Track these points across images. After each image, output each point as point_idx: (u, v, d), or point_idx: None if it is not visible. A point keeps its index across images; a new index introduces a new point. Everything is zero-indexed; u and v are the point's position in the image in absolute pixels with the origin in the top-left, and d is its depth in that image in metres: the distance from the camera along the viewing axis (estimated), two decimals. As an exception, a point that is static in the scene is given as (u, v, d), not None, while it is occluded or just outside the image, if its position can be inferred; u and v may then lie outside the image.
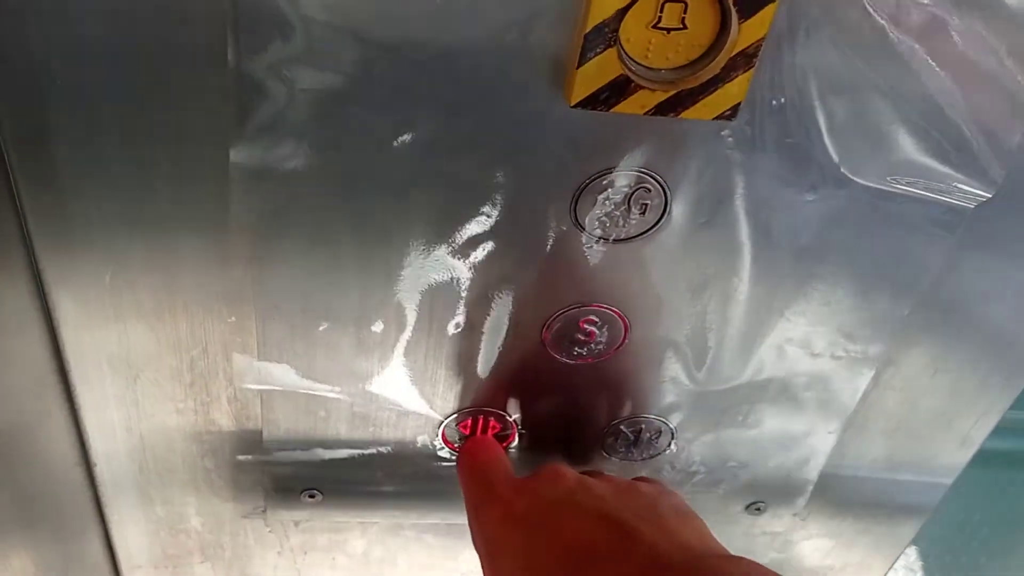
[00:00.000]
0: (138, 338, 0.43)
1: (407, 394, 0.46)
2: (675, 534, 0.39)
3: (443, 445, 0.50)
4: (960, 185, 0.40)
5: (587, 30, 0.33)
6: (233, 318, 0.42)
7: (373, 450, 0.49)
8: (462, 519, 0.48)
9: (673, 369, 0.47)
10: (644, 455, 0.52)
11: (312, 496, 0.51)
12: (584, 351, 0.46)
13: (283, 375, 0.44)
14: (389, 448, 0.49)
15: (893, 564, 0.64)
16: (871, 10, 0.34)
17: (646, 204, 0.40)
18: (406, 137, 0.36)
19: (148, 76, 0.34)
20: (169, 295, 0.41)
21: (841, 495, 0.58)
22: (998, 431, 0.55)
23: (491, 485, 0.45)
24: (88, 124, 0.35)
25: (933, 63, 0.36)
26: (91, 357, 0.43)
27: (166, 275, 0.40)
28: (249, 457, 0.49)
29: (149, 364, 0.44)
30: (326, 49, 0.33)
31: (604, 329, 0.45)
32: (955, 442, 0.55)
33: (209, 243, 0.39)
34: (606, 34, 0.33)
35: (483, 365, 0.46)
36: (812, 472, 0.54)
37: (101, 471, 0.49)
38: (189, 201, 0.38)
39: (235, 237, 0.39)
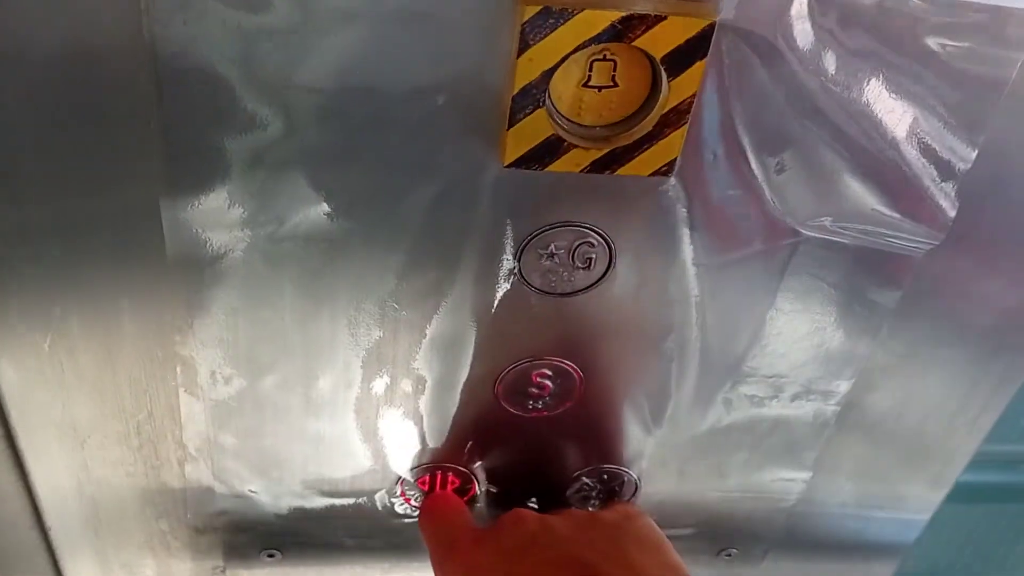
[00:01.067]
0: (82, 404, 0.42)
1: (362, 452, 0.46)
2: (640, 571, 0.39)
3: (402, 501, 0.49)
4: (909, 230, 0.39)
5: (515, 92, 0.33)
6: (176, 382, 0.41)
7: (330, 507, 0.49)
8: (426, 573, 0.48)
9: (631, 420, 0.46)
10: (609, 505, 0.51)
11: (271, 555, 0.51)
12: (539, 404, 0.45)
13: (233, 437, 0.44)
14: (347, 505, 0.49)
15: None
16: (798, 64, 0.34)
17: (591, 258, 0.39)
18: (343, 197, 0.36)
19: (76, 145, 0.33)
20: (110, 361, 0.40)
21: (814, 537, 0.57)
22: (974, 465, 0.55)
23: (453, 540, 0.45)
24: (18, 190, 0.35)
25: (867, 110, 0.35)
26: (37, 423, 0.43)
27: (105, 341, 0.40)
28: (204, 518, 0.48)
29: (95, 429, 0.43)
30: (257, 112, 0.33)
31: (557, 382, 0.44)
32: (926, 483, 0.54)
33: (148, 309, 0.39)
34: (534, 95, 0.33)
35: (438, 420, 0.45)
36: (780, 517, 0.53)
37: (56, 535, 0.48)
38: (125, 269, 0.37)
39: (171, 304, 0.38)
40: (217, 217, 0.36)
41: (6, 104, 0.32)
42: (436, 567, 0.45)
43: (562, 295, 0.40)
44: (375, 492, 0.48)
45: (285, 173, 0.35)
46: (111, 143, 0.34)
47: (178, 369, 0.41)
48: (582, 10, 0.31)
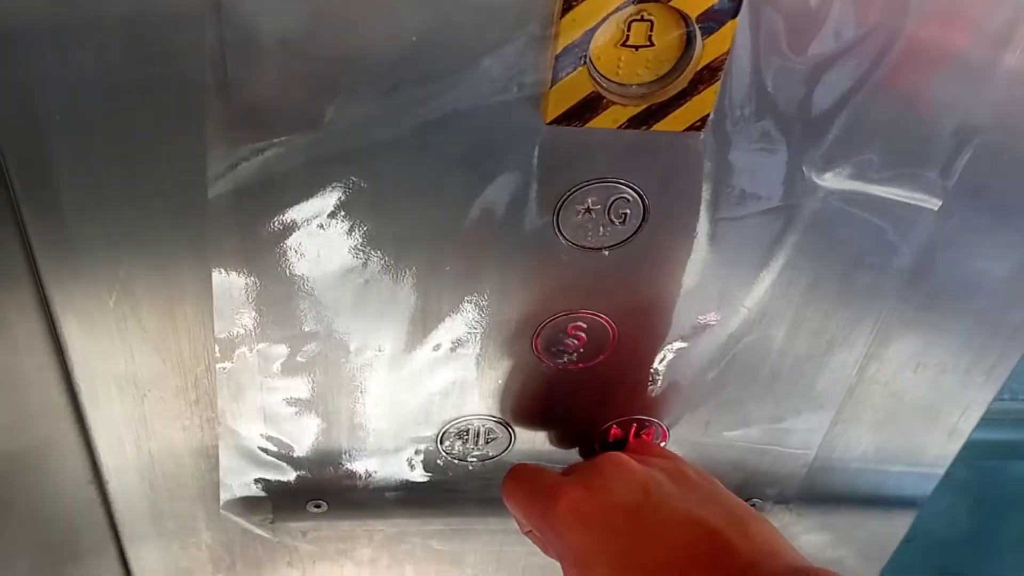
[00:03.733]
0: (143, 359, 0.44)
1: (404, 406, 0.48)
2: (758, 539, 0.39)
3: (442, 452, 0.51)
4: (924, 184, 0.42)
5: (558, 51, 0.35)
6: (226, 334, 0.44)
7: (375, 460, 0.51)
8: (465, 524, 0.50)
9: (661, 370, 0.48)
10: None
11: (318, 506, 0.53)
12: (574, 356, 0.47)
13: (282, 392, 0.46)
14: (390, 458, 0.51)
15: (890, 556, 0.66)
16: (824, 24, 0.36)
17: (625, 213, 0.41)
18: (390, 155, 0.38)
19: (145, 109, 0.36)
20: (171, 317, 0.43)
21: (834, 489, 0.59)
22: (986, 421, 0.57)
23: (551, 488, 0.43)
24: (89, 155, 0.37)
25: (893, 70, 0.38)
26: (99, 378, 0.45)
27: (167, 298, 0.42)
28: (255, 469, 0.50)
29: (155, 384, 0.45)
30: (313, 80, 0.35)
31: (592, 335, 0.46)
32: (943, 433, 0.56)
33: (207, 266, 0.41)
34: (576, 54, 0.35)
35: (477, 374, 0.47)
36: (801, 468, 0.56)
37: (113, 488, 0.51)
38: (187, 226, 0.40)
39: (220, 264, 0.41)
40: (268, 183, 0.38)
41: (80, 67, 0.34)
42: (536, 516, 0.44)
43: (597, 249, 0.42)
44: (416, 445, 0.50)
45: (336, 136, 0.37)
46: (180, 107, 0.36)
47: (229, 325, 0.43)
48: (622, -28, 0.33)
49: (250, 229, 0.40)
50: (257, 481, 0.51)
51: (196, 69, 0.35)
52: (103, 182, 0.38)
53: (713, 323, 0.46)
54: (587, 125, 0.37)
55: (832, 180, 0.41)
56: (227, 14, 0.33)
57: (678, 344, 0.47)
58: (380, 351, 0.45)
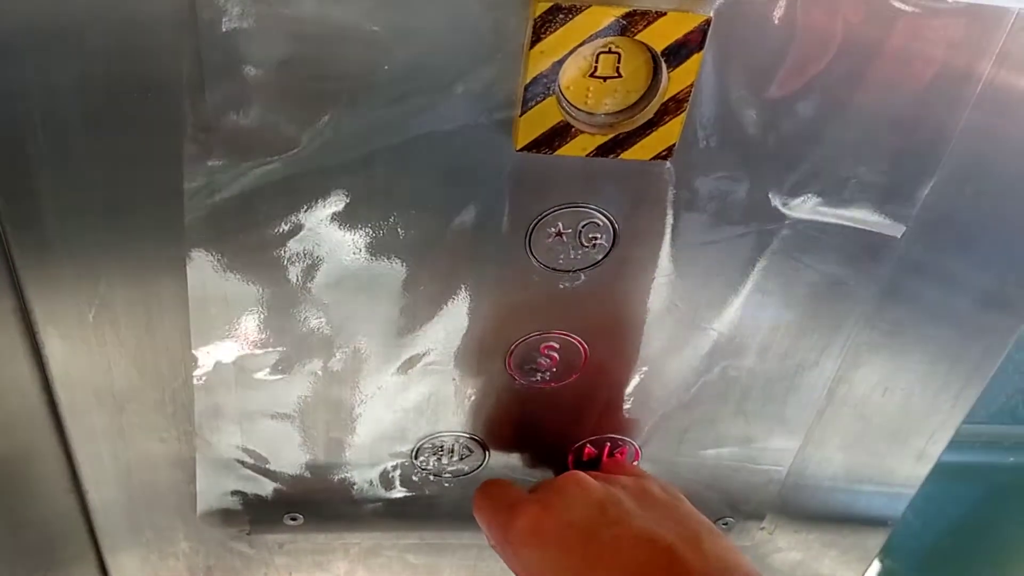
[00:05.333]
0: (122, 372, 0.45)
1: (379, 421, 0.49)
2: (711, 555, 0.40)
3: (417, 469, 0.52)
4: (887, 211, 0.43)
5: (527, 81, 0.36)
6: (204, 350, 0.45)
7: (350, 474, 0.52)
8: (440, 538, 0.51)
9: (632, 390, 0.49)
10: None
11: (294, 519, 0.54)
12: (547, 376, 0.48)
13: (258, 404, 0.47)
14: (365, 472, 0.52)
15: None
16: (785, 55, 0.37)
17: (595, 237, 0.42)
18: (363, 180, 0.39)
19: (125, 123, 0.37)
20: (149, 331, 0.44)
21: (806, 509, 0.60)
22: (955, 444, 0.58)
23: (513, 504, 0.45)
24: (70, 168, 0.38)
25: (849, 97, 0.39)
26: (78, 390, 0.46)
27: (146, 312, 0.43)
28: (231, 482, 0.51)
29: (133, 396, 0.46)
30: (280, 98, 0.36)
31: (564, 354, 0.47)
32: (912, 456, 0.57)
33: (183, 281, 0.42)
34: (545, 84, 0.36)
35: (451, 391, 0.48)
36: (774, 487, 0.56)
37: (92, 498, 0.51)
38: (166, 242, 0.41)
39: (197, 279, 0.41)
40: (244, 202, 0.39)
41: (60, 78, 0.35)
42: (498, 531, 0.45)
43: (568, 271, 0.43)
44: (391, 460, 0.51)
45: (312, 156, 0.38)
46: (158, 121, 0.37)
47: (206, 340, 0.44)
48: (589, 7, 0.34)
49: (226, 246, 0.40)
50: (234, 493, 0.52)
51: (174, 87, 0.36)
52: (84, 194, 0.39)
53: (683, 346, 0.47)
54: (556, 153, 0.38)
55: (797, 208, 0.42)
56: (204, 36, 0.34)
57: (649, 366, 0.48)
58: (356, 367, 0.46)
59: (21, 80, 0.35)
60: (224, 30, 0.34)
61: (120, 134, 0.37)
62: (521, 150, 0.38)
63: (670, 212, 0.42)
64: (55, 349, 0.44)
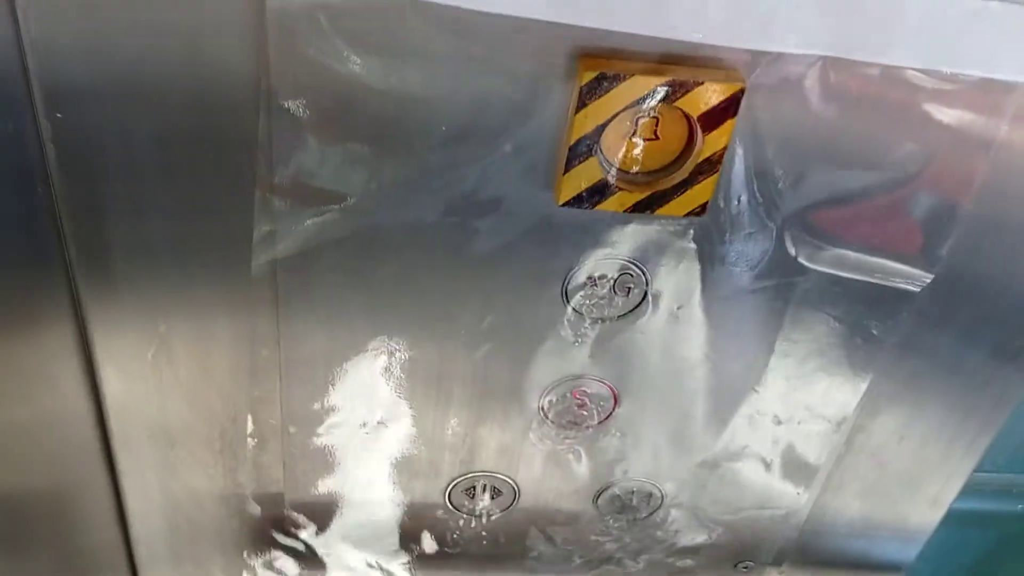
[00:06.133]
0: (175, 409, 0.47)
1: (415, 460, 0.51)
2: None
3: (449, 508, 0.54)
4: (907, 269, 0.45)
5: (571, 142, 0.39)
6: (257, 392, 0.47)
7: (386, 511, 0.54)
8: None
9: (659, 437, 0.51)
10: (635, 516, 0.56)
11: (330, 555, 0.56)
12: (577, 419, 0.50)
13: (302, 446, 0.49)
14: (401, 511, 0.54)
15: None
16: (815, 120, 0.40)
17: (629, 288, 0.45)
18: (416, 231, 0.42)
19: (195, 170, 0.39)
20: (205, 372, 0.46)
21: (822, 554, 0.61)
22: (966, 492, 0.59)
23: None
24: (140, 209, 0.40)
25: (874, 160, 0.41)
26: (132, 425, 0.48)
27: (203, 354, 0.45)
28: (271, 517, 0.53)
29: (185, 433, 0.48)
30: (348, 151, 0.39)
31: (595, 400, 0.49)
32: (926, 503, 0.59)
33: (241, 325, 0.44)
34: (587, 145, 0.39)
35: (484, 433, 0.50)
36: (792, 532, 0.58)
37: (136, 530, 0.53)
38: (227, 287, 0.43)
39: (263, 320, 0.44)
40: (300, 247, 0.41)
41: (134, 130, 0.38)
42: None
43: (602, 321, 0.46)
44: (426, 497, 0.53)
45: (364, 207, 0.41)
46: (227, 172, 0.39)
47: (260, 382, 0.46)
48: (632, 76, 0.37)
49: (284, 296, 0.43)
50: (276, 542, 0.54)
51: (246, 141, 0.38)
52: (152, 239, 0.41)
53: (711, 394, 0.50)
54: (596, 208, 0.41)
55: (821, 262, 0.45)
56: (275, 97, 0.37)
57: (678, 413, 0.50)
58: (394, 410, 0.48)
59: (101, 129, 0.38)
60: (292, 93, 0.37)
61: (191, 183, 0.40)
62: (563, 205, 0.40)
63: (701, 265, 0.44)
64: (112, 384, 0.46)
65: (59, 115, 0.37)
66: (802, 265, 0.44)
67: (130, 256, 0.42)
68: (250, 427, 0.48)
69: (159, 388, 0.47)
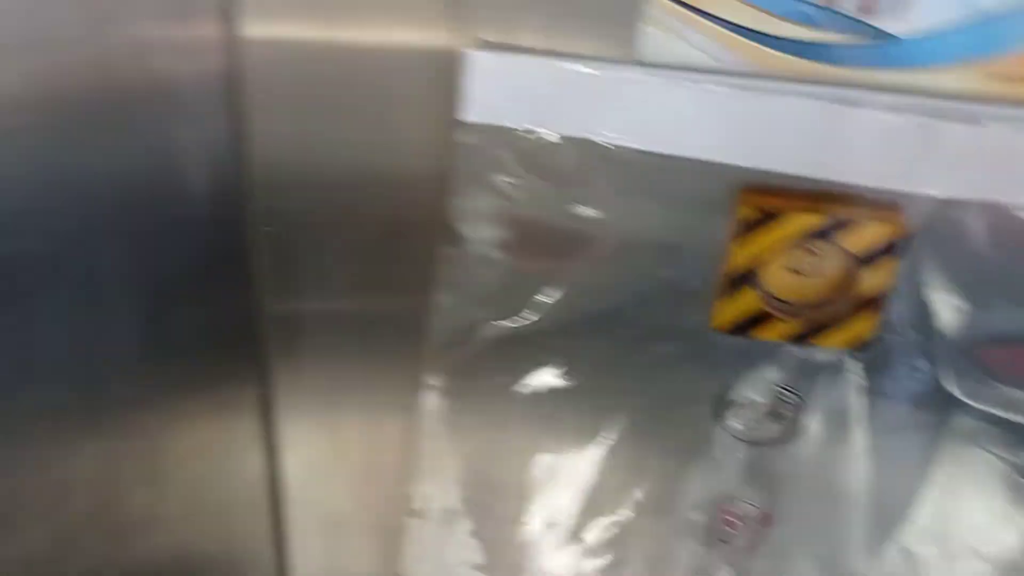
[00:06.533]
0: (346, 495, 0.50)
1: (563, 567, 0.52)
2: None
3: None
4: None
5: (729, 271, 0.40)
6: (426, 486, 0.50)
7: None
8: None
9: (809, 563, 0.51)
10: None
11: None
12: (727, 538, 0.50)
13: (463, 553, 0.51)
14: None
15: None
16: (980, 264, 0.39)
17: (783, 414, 0.45)
18: (577, 341, 0.44)
19: (380, 254, 0.43)
20: (376, 463, 0.49)
21: None
22: None
23: None
24: (332, 303, 0.44)
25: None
26: (304, 507, 0.52)
27: (376, 445, 0.48)
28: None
29: (353, 518, 0.51)
30: (515, 282, 0.42)
31: (745, 520, 0.49)
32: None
33: (415, 420, 0.47)
34: (746, 276, 0.40)
35: (637, 550, 0.51)
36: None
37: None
38: (399, 386, 0.46)
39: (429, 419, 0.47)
40: (471, 353, 0.44)
41: (329, 217, 0.42)
42: None
43: (755, 443, 0.46)
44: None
45: (529, 321, 0.43)
46: (416, 283, 0.43)
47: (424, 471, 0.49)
48: (792, 213, 0.38)
49: (458, 392, 0.46)
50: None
51: (431, 231, 0.42)
52: (339, 318, 0.45)
53: (866, 526, 0.49)
54: (752, 337, 0.41)
55: (984, 401, 0.43)
56: (459, 218, 0.40)
57: (832, 541, 0.50)
58: (551, 525, 0.50)
59: (303, 214, 0.42)
60: (472, 215, 0.40)
61: (377, 267, 0.43)
62: (720, 331, 0.41)
63: (858, 397, 0.44)
64: (292, 470, 0.50)
65: (269, 202, 0.41)
66: (963, 402, 0.44)
67: (318, 335, 0.46)
68: (417, 512, 0.50)
69: (332, 473, 0.50)
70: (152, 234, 0.42)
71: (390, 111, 0.40)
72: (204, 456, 0.49)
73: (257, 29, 0.39)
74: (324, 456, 0.49)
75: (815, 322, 0.41)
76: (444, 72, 0.38)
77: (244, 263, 0.44)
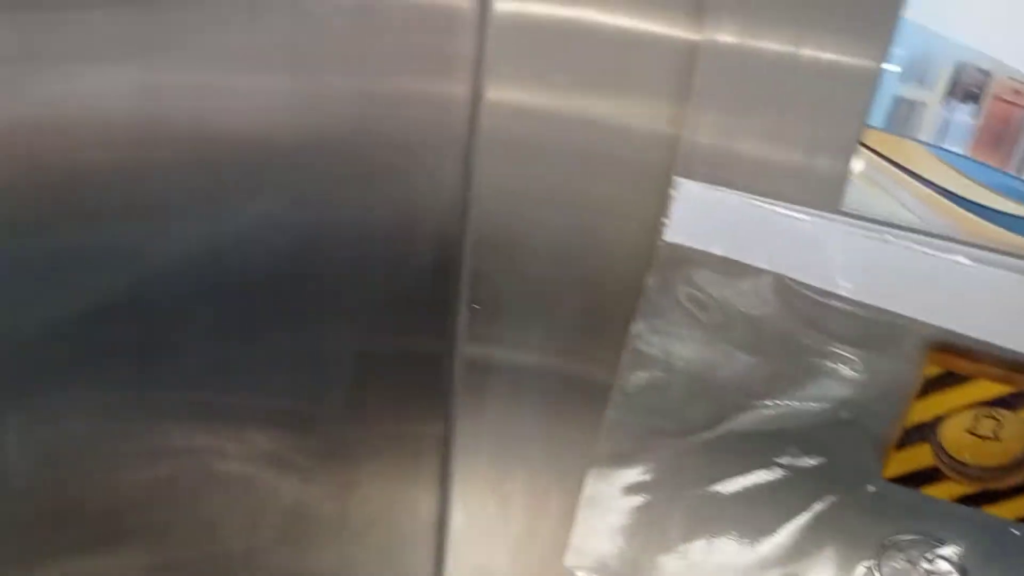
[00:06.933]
0: (507, 547, 0.53)
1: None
2: None
3: None
4: None
5: (907, 425, 0.40)
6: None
7: None
8: None
9: None
10: None
11: None
12: None
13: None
14: None
15: None
16: None
17: (941, 572, 0.44)
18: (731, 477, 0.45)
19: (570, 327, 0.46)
20: (534, 525, 0.51)
21: None
22: None
23: None
24: (517, 351, 0.48)
25: None
26: (465, 565, 0.54)
27: (537, 509, 0.51)
28: None
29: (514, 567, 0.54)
30: (682, 396, 0.43)
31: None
32: None
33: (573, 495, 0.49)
34: (923, 432, 0.40)
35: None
36: None
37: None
38: (564, 452, 0.49)
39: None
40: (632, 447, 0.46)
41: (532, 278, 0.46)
42: None
43: (909, 597, 0.46)
44: None
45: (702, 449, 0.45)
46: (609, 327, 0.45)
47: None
48: (978, 379, 0.38)
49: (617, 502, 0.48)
50: None
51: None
52: (529, 391, 0.49)
53: None
54: (922, 491, 0.41)
55: None
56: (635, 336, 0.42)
57: None
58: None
59: (510, 273, 0.46)
60: (652, 330, 0.42)
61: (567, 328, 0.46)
62: (890, 480, 0.42)
63: (1017, 569, 0.43)
64: (457, 523, 0.53)
65: (481, 257, 0.45)
66: None
67: (505, 386, 0.49)
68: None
69: (495, 525, 0.52)
70: (373, 268, 0.46)
71: (610, 185, 0.43)
72: (381, 488, 0.53)
73: (500, 93, 0.42)
74: (490, 510, 0.52)
75: (988, 487, 0.41)
76: (666, 155, 0.40)
77: (451, 304, 0.48)
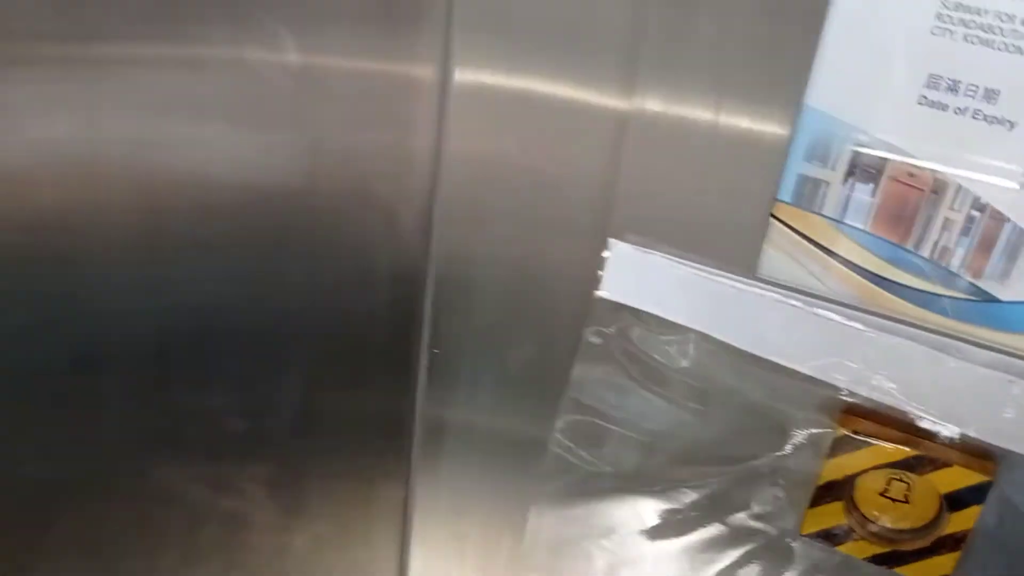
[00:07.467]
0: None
1: None
2: None
3: None
4: None
5: (820, 483, 0.42)
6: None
7: None
8: None
9: None
10: None
11: None
12: None
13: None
14: None
15: None
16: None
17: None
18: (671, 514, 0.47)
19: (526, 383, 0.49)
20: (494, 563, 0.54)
21: None
22: None
23: None
24: (472, 402, 0.50)
25: None
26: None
27: (496, 550, 0.53)
28: None
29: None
30: (623, 445, 0.46)
31: None
32: None
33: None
34: (835, 490, 0.42)
35: None
36: None
37: None
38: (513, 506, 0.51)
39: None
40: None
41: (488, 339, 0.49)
42: None
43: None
44: None
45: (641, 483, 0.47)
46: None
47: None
48: (884, 441, 0.40)
49: (557, 540, 0.50)
50: None
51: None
52: (483, 451, 0.52)
53: None
54: (835, 548, 0.43)
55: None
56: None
57: None
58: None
59: (469, 322, 0.49)
60: (593, 389, 0.45)
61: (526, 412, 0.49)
62: (805, 536, 0.44)
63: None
64: (417, 554, 0.55)
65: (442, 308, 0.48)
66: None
67: (460, 445, 0.52)
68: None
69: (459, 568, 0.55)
70: (332, 321, 0.49)
71: (555, 241, 0.46)
72: (340, 543, 0.56)
73: (459, 144, 0.45)
74: (446, 564, 0.55)
75: (898, 548, 0.42)
76: (601, 216, 0.43)
77: (410, 364, 0.51)
